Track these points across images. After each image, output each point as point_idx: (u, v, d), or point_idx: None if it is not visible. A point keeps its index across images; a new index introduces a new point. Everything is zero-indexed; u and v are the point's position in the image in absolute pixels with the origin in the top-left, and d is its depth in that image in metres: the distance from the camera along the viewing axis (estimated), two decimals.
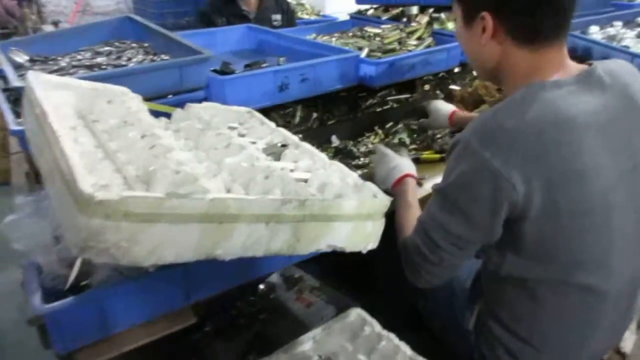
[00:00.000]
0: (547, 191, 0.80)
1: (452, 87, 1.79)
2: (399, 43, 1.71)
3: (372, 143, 1.59)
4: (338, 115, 1.62)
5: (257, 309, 1.50)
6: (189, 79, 1.17)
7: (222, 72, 1.46)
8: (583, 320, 0.91)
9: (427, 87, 1.79)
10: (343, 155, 1.50)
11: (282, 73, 1.30)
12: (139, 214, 0.57)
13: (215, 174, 0.79)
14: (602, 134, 0.83)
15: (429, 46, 1.68)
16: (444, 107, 1.52)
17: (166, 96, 1.17)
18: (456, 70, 1.85)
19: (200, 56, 1.17)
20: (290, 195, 0.77)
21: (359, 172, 1.44)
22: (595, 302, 0.89)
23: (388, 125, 1.66)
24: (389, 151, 1.26)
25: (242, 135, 1.12)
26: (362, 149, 1.56)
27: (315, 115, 1.58)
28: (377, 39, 1.75)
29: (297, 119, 1.57)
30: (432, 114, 1.54)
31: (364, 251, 0.86)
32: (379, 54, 1.65)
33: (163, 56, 1.31)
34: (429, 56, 1.57)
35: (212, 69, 1.45)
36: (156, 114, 1.11)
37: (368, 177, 1.39)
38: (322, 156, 1.00)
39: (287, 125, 1.56)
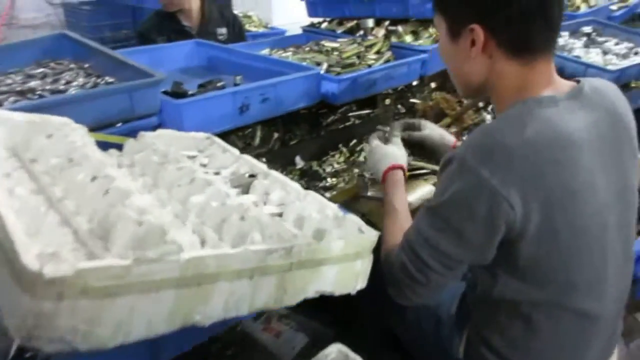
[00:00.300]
0: (545, 211, 0.77)
1: (413, 100, 1.77)
2: (358, 57, 1.66)
3: (338, 162, 1.52)
4: (300, 135, 1.54)
5: (224, 344, 1.39)
6: (140, 105, 1.05)
7: (174, 94, 1.35)
8: (577, 344, 0.89)
9: (387, 101, 1.75)
10: (309, 177, 1.43)
11: (242, 94, 1.21)
12: (101, 288, 0.46)
13: (184, 220, 0.69)
14: (596, 152, 0.81)
15: (388, 60, 1.65)
16: (444, 132, 1.30)
17: (115, 125, 1.04)
18: (414, 83, 1.83)
19: (152, 79, 1.05)
20: (272, 240, 0.68)
21: (328, 194, 1.37)
22: (589, 325, 0.87)
23: (352, 143, 1.60)
24: (376, 142, 1.21)
25: (204, 165, 1.02)
26: (328, 169, 1.49)
27: (276, 135, 1.49)
28: (335, 53, 1.69)
29: (257, 141, 1.48)
30: (430, 130, 1.29)
31: (353, 292, 0.78)
32: (338, 69, 1.59)
33: (108, 78, 1.18)
34: (390, 70, 1.53)
35: (162, 90, 1.33)
36: (104, 145, 0.98)
37: (337, 199, 1.33)
38: (295, 186, 0.92)
39: (246, 147, 1.46)
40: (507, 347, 0.91)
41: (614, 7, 2.68)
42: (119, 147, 1.00)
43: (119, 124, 1.05)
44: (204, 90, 1.35)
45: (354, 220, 0.83)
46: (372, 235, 0.78)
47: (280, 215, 0.85)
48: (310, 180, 1.42)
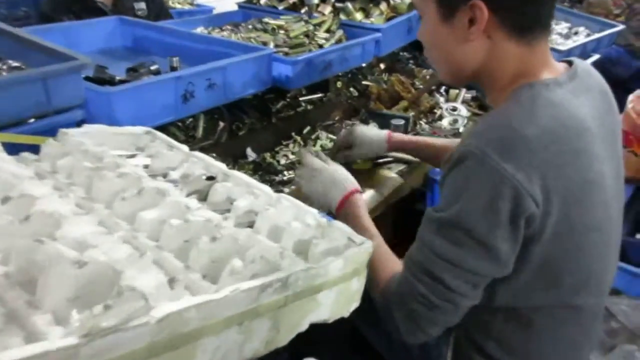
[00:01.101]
0: (563, 206, 0.70)
1: (366, 83, 1.66)
2: (307, 37, 1.52)
3: (292, 152, 1.38)
4: (249, 124, 1.38)
5: None
6: (59, 95, 0.84)
7: (98, 81, 1.13)
8: (578, 342, 0.84)
9: (339, 84, 1.63)
10: (263, 171, 1.28)
11: (186, 79, 1.02)
12: None
13: (142, 251, 0.52)
14: (602, 139, 0.75)
15: (340, 40, 1.52)
16: (374, 134, 1.22)
17: (26, 122, 0.83)
18: (363, 64, 1.72)
19: (74, 63, 0.84)
20: (256, 265, 0.54)
21: (286, 189, 1.23)
22: (591, 320, 0.83)
23: (306, 131, 1.46)
24: (318, 163, 1.04)
25: (146, 167, 0.84)
26: (283, 160, 1.34)
27: (221, 125, 1.32)
28: (281, 32, 1.54)
29: (200, 132, 1.30)
30: (360, 145, 1.21)
31: (347, 314, 0.66)
32: (285, 50, 1.44)
33: (12, 62, 0.94)
34: (345, 51, 1.40)
35: (83, 76, 1.11)
36: (14, 148, 0.78)
37: (297, 193, 1.20)
38: (264, 188, 0.78)
39: (189, 140, 1.28)
40: (503, 352, 0.83)
41: None
42: (35, 149, 0.79)
43: (32, 120, 0.84)
44: (136, 76, 1.15)
45: (340, 228, 0.70)
46: (367, 246, 0.65)
47: (251, 226, 0.71)
48: (265, 174, 1.27)
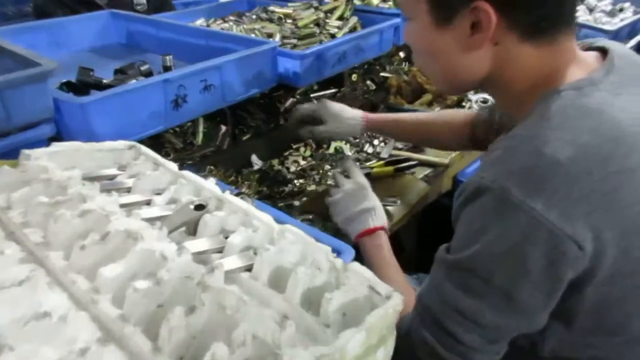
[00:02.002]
0: (622, 240, 0.56)
1: (384, 74, 1.49)
2: (317, 25, 1.36)
3: (304, 157, 1.24)
4: (254, 127, 1.23)
5: None
6: (21, 109, 0.71)
7: (80, 86, 1.00)
8: None
9: (354, 77, 1.46)
10: (271, 181, 1.13)
11: (176, 82, 0.88)
12: None
13: (102, 323, 0.39)
14: None
15: (355, 28, 1.36)
16: (348, 111, 1.09)
17: None
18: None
19: (36, 69, 0.70)
20: (250, 350, 0.40)
21: (296, 202, 1.09)
22: None
23: None
24: (364, 181, 0.94)
25: (128, 190, 0.71)
26: (293, 167, 1.20)
27: (223, 129, 1.18)
28: (289, 21, 1.38)
29: (199, 138, 1.16)
30: (332, 122, 1.08)
31: None
32: (294, 42, 1.28)
33: None
34: (360, 41, 1.24)
35: (63, 81, 0.98)
36: None
37: (309, 207, 1.05)
38: (266, 218, 0.63)
39: (187, 148, 1.14)
40: None
41: None
42: None
43: None
44: (123, 78, 1.01)
45: (360, 272, 0.55)
46: (395, 303, 0.50)
47: (249, 269, 0.57)
48: (272, 184, 1.13)
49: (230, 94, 1.00)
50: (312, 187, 1.13)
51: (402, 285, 0.77)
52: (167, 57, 1.08)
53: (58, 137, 0.80)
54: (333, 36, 1.32)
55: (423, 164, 1.19)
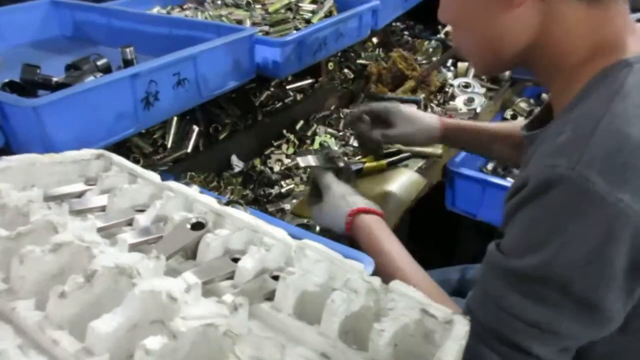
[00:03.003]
0: None
1: (361, 62, 1.40)
2: (290, 10, 1.25)
3: (287, 155, 1.13)
4: (230, 124, 1.11)
5: None
6: None
7: (26, 86, 0.85)
8: None
9: (331, 65, 1.37)
10: (255, 184, 1.02)
11: (146, 76, 0.75)
12: None
13: None
14: None
15: (330, 12, 1.25)
16: (422, 114, 0.97)
17: None
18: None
19: None
20: None
21: (287, 206, 0.98)
22: None
23: (299, 126, 1.21)
24: (329, 178, 0.82)
25: (103, 209, 0.59)
26: (277, 167, 1.09)
27: (196, 129, 1.05)
28: (258, 6, 1.26)
29: (170, 140, 1.03)
30: (404, 125, 0.94)
31: None
32: (266, 29, 1.17)
33: None
34: (340, 26, 1.14)
35: (5, 81, 0.83)
36: None
37: (301, 210, 0.95)
38: (279, 234, 0.53)
39: (158, 152, 1.01)
40: None
41: None
42: None
43: None
44: (79, 75, 0.87)
45: (404, 292, 0.46)
46: (461, 328, 0.42)
47: (270, 298, 0.47)
48: (258, 187, 1.02)
49: (207, 88, 0.88)
50: (301, 188, 1.03)
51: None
52: (128, 50, 0.95)
53: (6, 150, 0.66)
54: (308, 21, 1.21)
55: (415, 155, 1.11)
